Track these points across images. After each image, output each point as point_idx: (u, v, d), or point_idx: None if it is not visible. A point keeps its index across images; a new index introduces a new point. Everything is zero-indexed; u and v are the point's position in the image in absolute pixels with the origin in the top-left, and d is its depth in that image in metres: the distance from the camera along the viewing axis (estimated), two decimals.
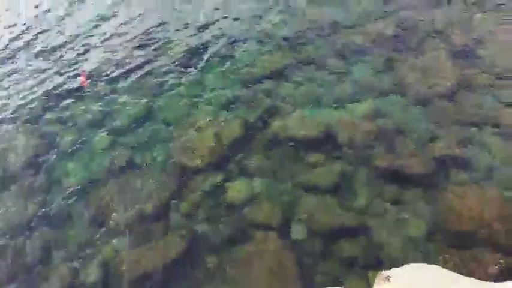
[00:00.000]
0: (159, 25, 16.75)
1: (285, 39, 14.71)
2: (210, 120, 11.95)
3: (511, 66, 12.74)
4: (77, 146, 11.94)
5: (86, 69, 14.83)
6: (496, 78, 12.43)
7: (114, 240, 9.88)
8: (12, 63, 16.54)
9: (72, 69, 15.27)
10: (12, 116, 13.80)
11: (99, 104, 13.25)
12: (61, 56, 16.18)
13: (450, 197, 9.58)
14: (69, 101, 13.84)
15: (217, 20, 16.37)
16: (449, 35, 14.02)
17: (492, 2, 15.50)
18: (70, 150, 11.90)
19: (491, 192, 9.52)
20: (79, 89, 14.09)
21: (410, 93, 12.22)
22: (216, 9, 17.16)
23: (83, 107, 13.31)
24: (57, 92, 14.34)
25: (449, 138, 10.94)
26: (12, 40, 18.08)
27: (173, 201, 10.38)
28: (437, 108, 11.76)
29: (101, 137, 12.03)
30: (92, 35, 17.10)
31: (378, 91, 12.37)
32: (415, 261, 7.94)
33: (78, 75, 14.74)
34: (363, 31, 14.55)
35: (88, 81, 13.89)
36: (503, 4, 15.30)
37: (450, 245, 8.94)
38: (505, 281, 6.81)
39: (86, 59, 15.55)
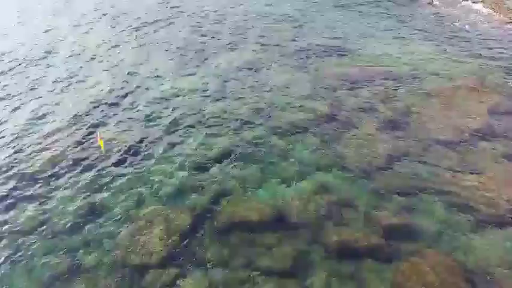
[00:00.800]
0: (95, 117, 16.58)
1: (228, 121, 15.08)
2: (157, 212, 11.61)
3: (436, 134, 13.90)
4: (15, 257, 10.97)
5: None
6: (425, 146, 13.46)
7: None
8: None
9: None
10: None
11: (35, 206, 12.45)
12: None
13: (404, 268, 9.79)
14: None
15: (159, 103, 16.51)
16: (378, 109, 15.18)
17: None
18: (8, 262, 10.88)
19: (443, 258, 9.91)
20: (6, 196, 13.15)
21: (351, 167, 12.80)
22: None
23: (18, 212, 12.42)
24: None
25: (393, 207, 11.42)
26: None
27: None
28: (378, 179, 12.37)
29: (41, 243, 11.18)
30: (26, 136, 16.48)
31: (321, 167, 12.83)
32: None
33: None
34: (301, 110, 15.36)
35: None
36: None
37: None
38: None
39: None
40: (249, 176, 12.68)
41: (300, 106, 15.64)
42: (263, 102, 16.04)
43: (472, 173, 12.46)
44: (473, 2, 23.40)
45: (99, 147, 13.62)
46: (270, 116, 15.22)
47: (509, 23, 21.34)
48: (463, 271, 9.68)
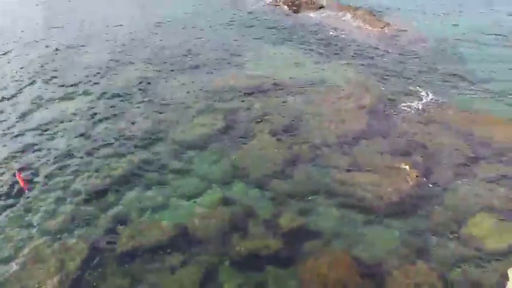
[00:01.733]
0: None
1: (122, 143, 14.53)
2: (49, 246, 10.76)
3: (324, 138, 14.81)
4: None
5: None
6: (316, 150, 14.27)
7: None
8: None
9: None
10: None
11: None
12: None
13: (304, 269, 10.25)
14: None
15: (45, 130, 15.35)
16: (270, 119, 15.76)
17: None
18: None
19: (340, 255, 10.56)
20: None
21: (250, 176, 13.10)
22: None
23: None
24: None
25: (292, 212, 11.90)
26: None
27: None
28: (276, 186, 12.81)
29: None
30: None
31: (221, 180, 12.93)
32: None
33: None
34: (198, 125, 15.36)
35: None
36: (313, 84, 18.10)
37: None
38: None
39: None
40: (148, 197, 12.34)
41: (196, 121, 15.63)
42: (159, 119, 15.76)
43: (360, 171, 13.45)
44: (352, 17, 25.44)
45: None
46: (166, 133, 14.99)
47: (382, 34, 23.56)
48: (358, 265, 10.39)
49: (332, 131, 15.20)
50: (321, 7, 26.66)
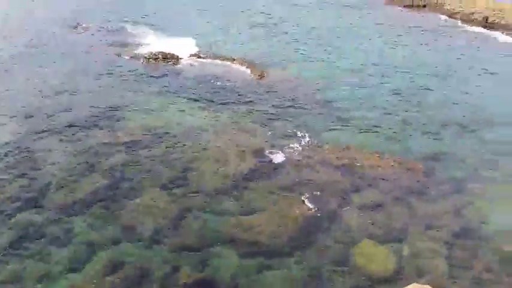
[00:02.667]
0: None
1: None
2: None
3: (213, 184, 14.89)
4: None
5: None
6: (207, 197, 14.27)
7: None
8: None
9: None
10: None
11: None
12: None
13: None
14: None
15: None
16: (159, 170, 15.43)
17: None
18: None
19: None
20: None
21: (140, 235, 12.52)
22: None
23: None
24: None
25: (191, 264, 11.59)
26: None
27: None
28: (172, 239, 12.41)
29: None
30: None
31: (107, 244, 12.13)
32: None
33: None
34: (77, 187, 14.35)
35: None
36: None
37: None
38: None
39: None
40: (27, 271, 11.03)
41: (77, 182, 14.63)
42: (33, 185, 14.42)
43: (252, 213, 13.70)
44: (233, 62, 26.54)
45: None
46: (43, 199, 13.73)
47: (260, 81, 24.92)
48: None
49: (222, 177, 15.36)
50: (199, 57, 27.37)
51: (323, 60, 28.10)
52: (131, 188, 14.53)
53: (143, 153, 16.53)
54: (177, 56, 26.89)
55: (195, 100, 21.52)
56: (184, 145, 17.28)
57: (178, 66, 26.14)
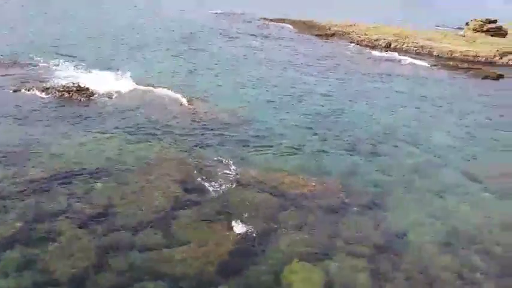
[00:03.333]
0: None
1: None
2: None
3: (142, 217, 14.38)
4: None
5: None
6: (132, 230, 13.72)
7: None
8: None
9: None
10: None
11: None
12: None
13: None
14: None
15: None
16: (77, 209, 14.60)
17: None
18: None
19: None
20: None
21: (57, 282, 11.69)
22: None
23: None
24: None
25: None
26: None
27: None
28: (92, 284, 11.73)
29: None
30: None
31: None
32: None
33: None
34: None
35: None
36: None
37: None
38: None
39: None
40: None
41: None
42: None
43: (179, 245, 13.38)
44: (152, 94, 26.21)
45: None
46: None
47: (185, 111, 24.79)
48: None
49: (147, 210, 14.89)
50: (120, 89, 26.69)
51: (243, 87, 28.72)
52: (48, 229, 13.56)
53: (60, 191, 15.58)
54: (92, 90, 25.87)
55: (118, 133, 20.83)
56: (105, 179, 16.57)
57: (100, 98, 25.24)
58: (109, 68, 29.95)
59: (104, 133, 20.74)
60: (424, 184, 18.66)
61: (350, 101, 27.83)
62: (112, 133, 20.84)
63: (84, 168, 17.24)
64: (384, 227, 15.54)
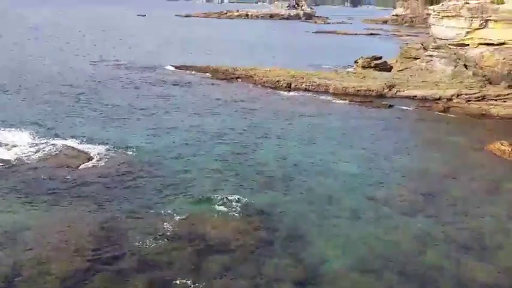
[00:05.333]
0: None
1: None
2: None
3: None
4: None
5: None
6: None
7: None
8: None
9: None
10: None
11: None
12: None
13: None
14: None
15: None
16: None
17: None
18: None
19: None
20: None
21: None
22: None
23: None
24: None
25: None
26: None
27: None
28: None
29: None
30: None
31: None
32: None
33: None
34: None
35: None
36: None
37: None
38: None
39: None
40: None
41: None
42: None
43: None
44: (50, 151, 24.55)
45: None
46: None
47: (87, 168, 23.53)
48: None
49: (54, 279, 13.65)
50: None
51: (155, 134, 28.20)
52: None
53: None
54: None
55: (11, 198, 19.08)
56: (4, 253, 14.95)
57: None
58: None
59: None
60: (336, 211, 19.48)
61: (258, 140, 28.55)
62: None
63: None
64: (305, 259, 15.80)
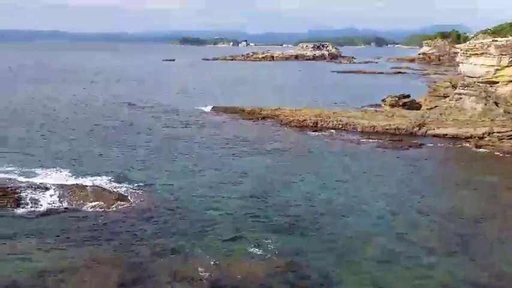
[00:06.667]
0: None
1: None
2: None
3: None
4: None
5: None
6: None
7: None
8: None
9: None
10: None
11: None
12: None
13: None
14: None
15: None
16: None
17: None
18: None
19: None
20: None
21: None
22: None
23: None
24: None
25: None
26: None
27: None
28: None
29: None
30: None
31: None
32: None
33: None
34: None
35: None
36: None
37: None
38: None
39: None
40: None
41: None
42: None
43: None
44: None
45: None
46: None
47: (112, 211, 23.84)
48: None
49: None
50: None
51: (182, 176, 28.43)
52: None
53: None
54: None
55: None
56: None
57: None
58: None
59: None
60: (367, 253, 18.86)
61: (285, 179, 28.33)
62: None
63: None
64: None
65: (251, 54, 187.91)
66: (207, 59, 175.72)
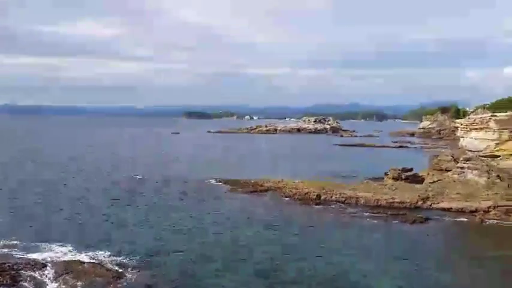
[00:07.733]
0: None
1: None
2: None
3: None
4: None
5: None
6: None
7: None
8: None
9: None
10: None
11: None
12: None
13: None
14: None
15: None
16: None
17: None
18: None
19: None
20: None
21: None
22: None
23: None
24: None
25: None
26: None
27: None
28: None
29: None
30: None
31: None
32: None
33: None
34: None
35: None
36: None
37: None
38: None
39: None
40: None
41: None
42: None
43: None
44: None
45: None
46: None
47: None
48: None
49: None
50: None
51: (183, 251, 27.76)
52: None
53: None
54: None
55: None
56: None
57: None
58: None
59: None
60: None
61: (288, 257, 27.57)
62: None
63: None
64: None
65: (255, 127, 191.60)
66: (211, 132, 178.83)
